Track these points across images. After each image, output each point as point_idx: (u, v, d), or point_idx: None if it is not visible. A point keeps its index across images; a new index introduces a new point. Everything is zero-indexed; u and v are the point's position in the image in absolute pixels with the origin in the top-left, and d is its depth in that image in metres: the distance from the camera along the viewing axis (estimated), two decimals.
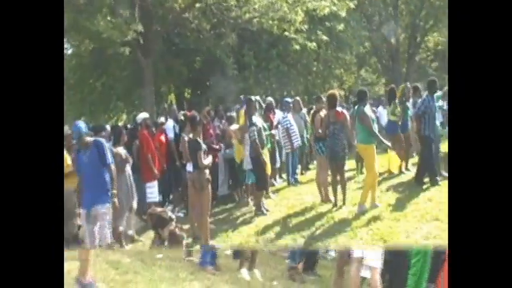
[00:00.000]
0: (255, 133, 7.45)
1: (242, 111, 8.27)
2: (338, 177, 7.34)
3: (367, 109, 7.16)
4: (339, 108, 7.17)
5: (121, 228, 6.49)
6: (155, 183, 7.42)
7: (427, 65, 27.20)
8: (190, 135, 6.18)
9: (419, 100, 8.24)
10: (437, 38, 25.32)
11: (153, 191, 7.41)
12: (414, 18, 23.14)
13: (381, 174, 9.67)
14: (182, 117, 7.98)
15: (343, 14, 14.51)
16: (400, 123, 9.21)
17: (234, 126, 8.26)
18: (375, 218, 6.41)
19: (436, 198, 7.08)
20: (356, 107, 7.40)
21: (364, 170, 10.10)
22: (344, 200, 7.31)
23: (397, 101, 9.25)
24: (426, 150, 7.98)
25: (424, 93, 8.40)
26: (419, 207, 6.69)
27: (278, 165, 9.70)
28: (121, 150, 6.47)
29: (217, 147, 8.36)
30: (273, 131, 8.85)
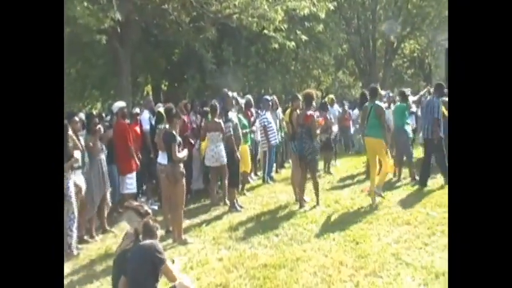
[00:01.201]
0: (231, 129, 7.44)
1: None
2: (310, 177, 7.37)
3: (383, 105, 7.66)
4: (308, 112, 7.17)
5: (94, 211, 6.38)
6: (134, 174, 7.29)
7: (403, 71, 27.65)
8: (166, 127, 6.09)
9: (432, 103, 8.24)
10: (414, 45, 25.73)
11: (132, 182, 7.28)
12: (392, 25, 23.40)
13: (354, 176, 9.87)
14: (160, 109, 7.84)
15: (322, 15, 14.51)
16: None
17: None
18: (348, 220, 6.47)
19: (407, 203, 7.18)
20: (368, 103, 7.68)
21: (331, 170, 10.36)
22: (317, 200, 7.36)
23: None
24: (441, 152, 8.16)
25: (431, 97, 8.50)
26: (391, 211, 6.78)
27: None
28: (93, 138, 6.38)
29: (193, 141, 8.28)
30: (253, 128, 8.86)
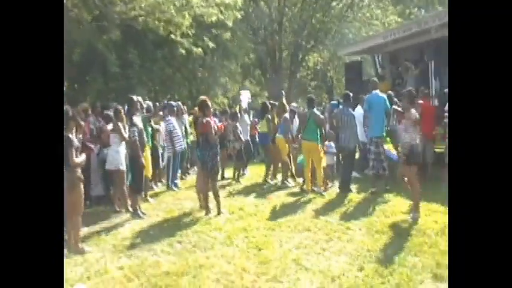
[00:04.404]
0: (136, 134, 7.24)
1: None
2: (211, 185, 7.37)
3: (319, 112, 8.72)
4: (205, 119, 7.16)
5: None
6: None
7: (307, 82, 28.73)
8: None
9: (347, 115, 8.65)
10: (317, 58, 26.91)
11: None
12: (297, 37, 24.27)
13: (258, 184, 10.04)
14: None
15: (230, 23, 14.69)
16: (271, 135, 10.05)
17: (111, 126, 7.90)
18: (252, 227, 6.55)
19: (308, 210, 7.44)
20: (307, 110, 8.83)
21: (240, 179, 10.48)
22: (218, 208, 7.32)
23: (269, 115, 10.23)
24: (352, 161, 8.89)
25: (342, 108, 8.91)
26: (293, 218, 6.96)
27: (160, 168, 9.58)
28: None
29: (92, 145, 7.90)
30: (158, 126, 8.78)
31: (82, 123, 7.31)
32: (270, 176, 10.20)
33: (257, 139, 12.23)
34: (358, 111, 9.56)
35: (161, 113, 9.64)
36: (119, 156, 7.28)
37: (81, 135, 7.06)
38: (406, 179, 6.85)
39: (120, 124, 7.27)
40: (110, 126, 7.73)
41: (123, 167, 7.31)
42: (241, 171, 10.91)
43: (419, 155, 6.71)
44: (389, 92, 9.72)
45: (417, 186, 6.61)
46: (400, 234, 5.93)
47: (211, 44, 15.87)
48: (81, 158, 5.70)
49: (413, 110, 6.75)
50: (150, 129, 8.56)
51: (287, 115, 9.82)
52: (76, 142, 5.66)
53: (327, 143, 9.02)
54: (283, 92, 11.40)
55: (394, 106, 9.01)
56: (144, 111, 8.77)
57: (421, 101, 8.91)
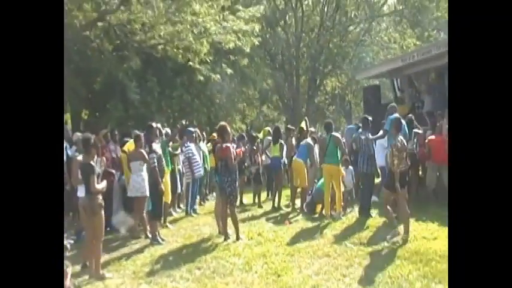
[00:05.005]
0: (155, 160, 7.32)
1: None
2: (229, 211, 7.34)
3: (339, 135, 8.98)
4: (224, 144, 7.18)
5: None
6: None
7: (325, 107, 28.72)
8: (81, 158, 5.81)
9: (365, 139, 8.61)
10: (335, 82, 26.93)
11: None
12: (314, 62, 24.39)
13: (277, 209, 9.98)
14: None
15: (247, 49, 14.82)
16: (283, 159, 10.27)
17: None
18: (271, 252, 6.49)
19: (328, 235, 7.36)
20: (326, 135, 8.85)
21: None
22: (237, 234, 7.29)
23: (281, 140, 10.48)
24: (371, 185, 8.82)
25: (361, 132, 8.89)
26: (312, 243, 6.89)
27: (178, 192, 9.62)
28: None
29: (113, 171, 7.98)
30: (176, 151, 8.86)
31: (105, 157, 7.44)
32: (290, 202, 10.16)
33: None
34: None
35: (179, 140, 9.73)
36: (144, 183, 7.32)
37: (102, 165, 7.17)
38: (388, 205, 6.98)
39: (141, 150, 7.35)
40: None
41: (147, 193, 7.35)
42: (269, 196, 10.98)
43: (401, 183, 6.66)
44: (410, 115, 9.69)
45: (388, 212, 6.77)
46: (422, 260, 5.81)
47: (229, 70, 16.03)
48: (102, 185, 5.78)
49: (399, 138, 6.74)
50: (169, 153, 8.60)
51: (310, 140, 9.80)
52: (97, 169, 5.74)
53: (344, 168, 8.96)
54: (306, 117, 11.47)
55: (414, 129, 9.03)
56: (164, 137, 8.86)
57: (431, 137, 8.90)
